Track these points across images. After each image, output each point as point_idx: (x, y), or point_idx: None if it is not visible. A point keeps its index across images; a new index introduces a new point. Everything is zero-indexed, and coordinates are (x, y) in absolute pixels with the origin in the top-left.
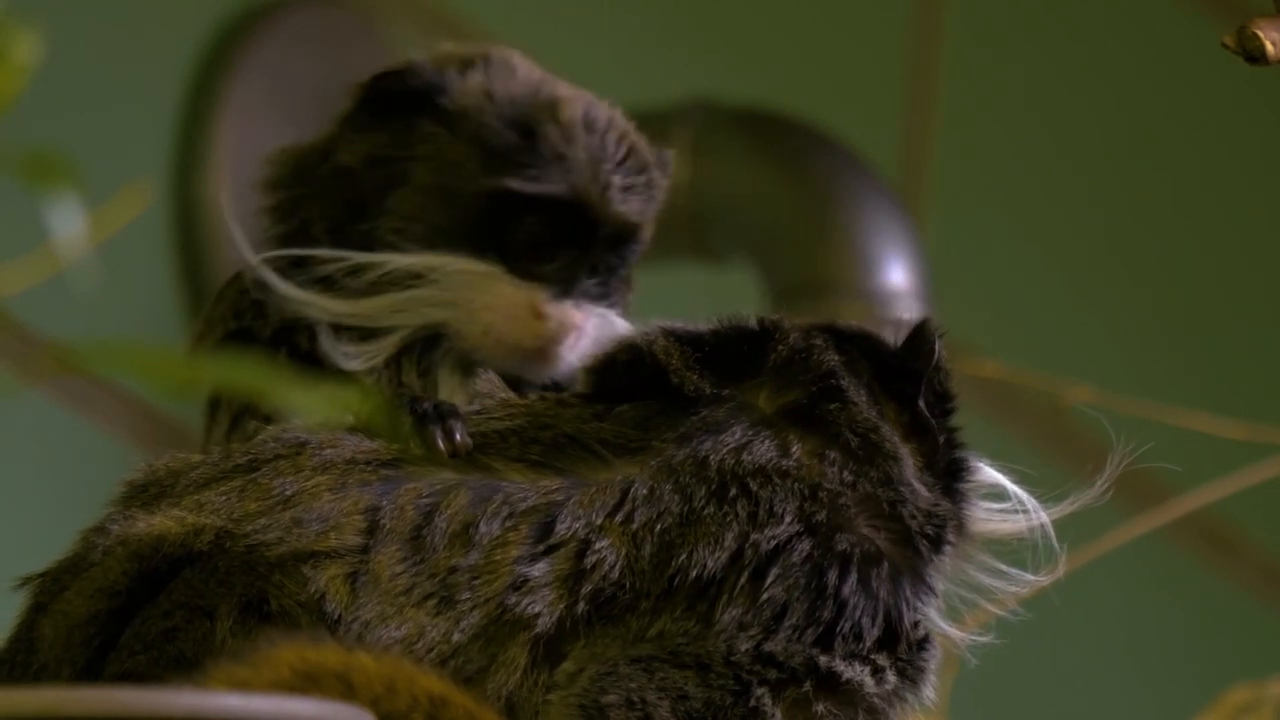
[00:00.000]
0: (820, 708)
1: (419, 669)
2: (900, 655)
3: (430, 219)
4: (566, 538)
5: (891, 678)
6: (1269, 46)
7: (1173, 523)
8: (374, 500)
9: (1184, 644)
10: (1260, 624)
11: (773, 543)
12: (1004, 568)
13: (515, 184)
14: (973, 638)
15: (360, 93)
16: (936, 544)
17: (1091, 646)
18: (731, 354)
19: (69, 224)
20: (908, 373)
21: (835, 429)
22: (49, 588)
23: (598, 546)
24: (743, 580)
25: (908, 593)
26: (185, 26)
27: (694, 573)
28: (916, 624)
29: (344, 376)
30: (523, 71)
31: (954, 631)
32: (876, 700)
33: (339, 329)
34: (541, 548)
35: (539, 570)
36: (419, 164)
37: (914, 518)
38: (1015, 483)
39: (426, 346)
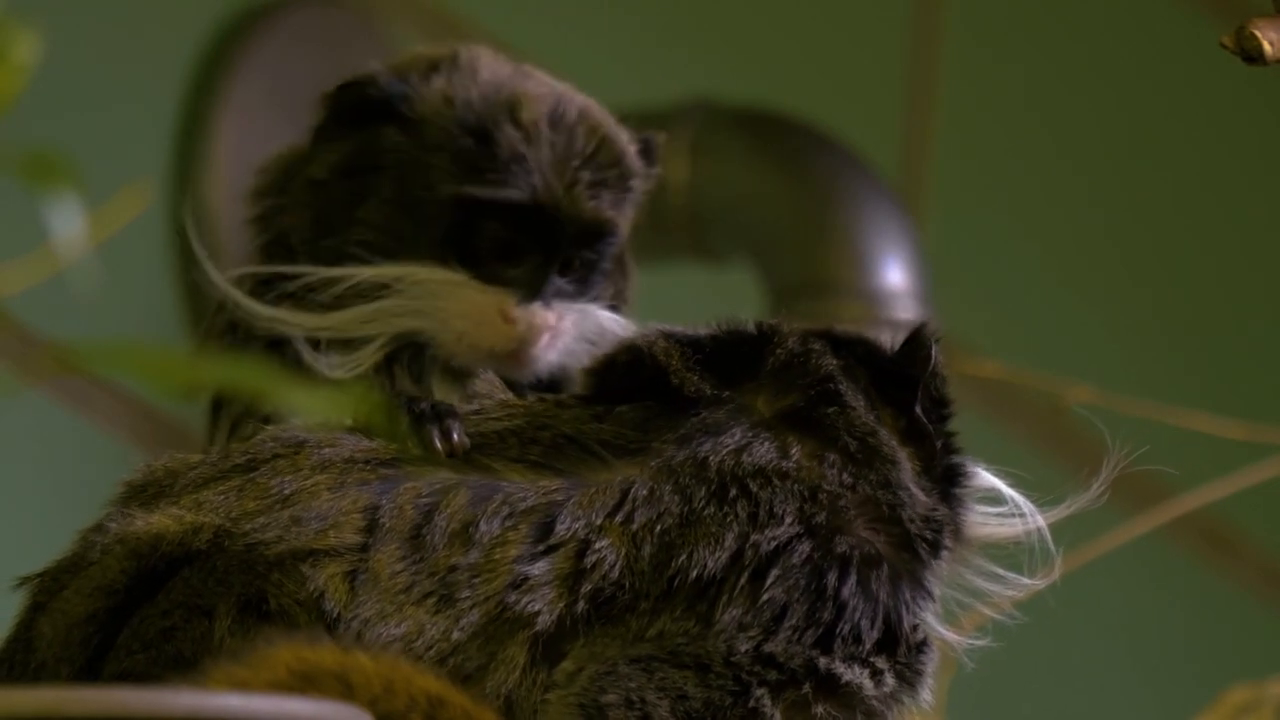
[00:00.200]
0: (820, 709)
1: (417, 669)
2: (899, 658)
3: (398, 229)
4: (566, 538)
5: (890, 680)
6: (1267, 46)
7: (1173, 523)
8: (373, 499)
9: (1184, 644)
10: (1260, 624)
11: (773, 544)
12: (1001, 571)
13: (474, 190)
14: (970, 641)
15: (326, 104)
16: (934, 548)
17: (1091, 646)
18: (730, 357)
19: (69, 224)
20: (904, 378)
21: (833, 433)
22: (48, 587)
23: (598, 546)
24: (743, 581)
25: (907, 596)
26: (185, 26)
27: (694, 573)
28: (915, 627)
29: (339, 383)
30: (486, 72)
31: (952, 636)
32: (875, 703)
33: (319, 340)
34: (541, 547)
35: (539, 569)
36: (384, 174)
37: (913, 521)
38: (1012, 486)
39: (416, 352)
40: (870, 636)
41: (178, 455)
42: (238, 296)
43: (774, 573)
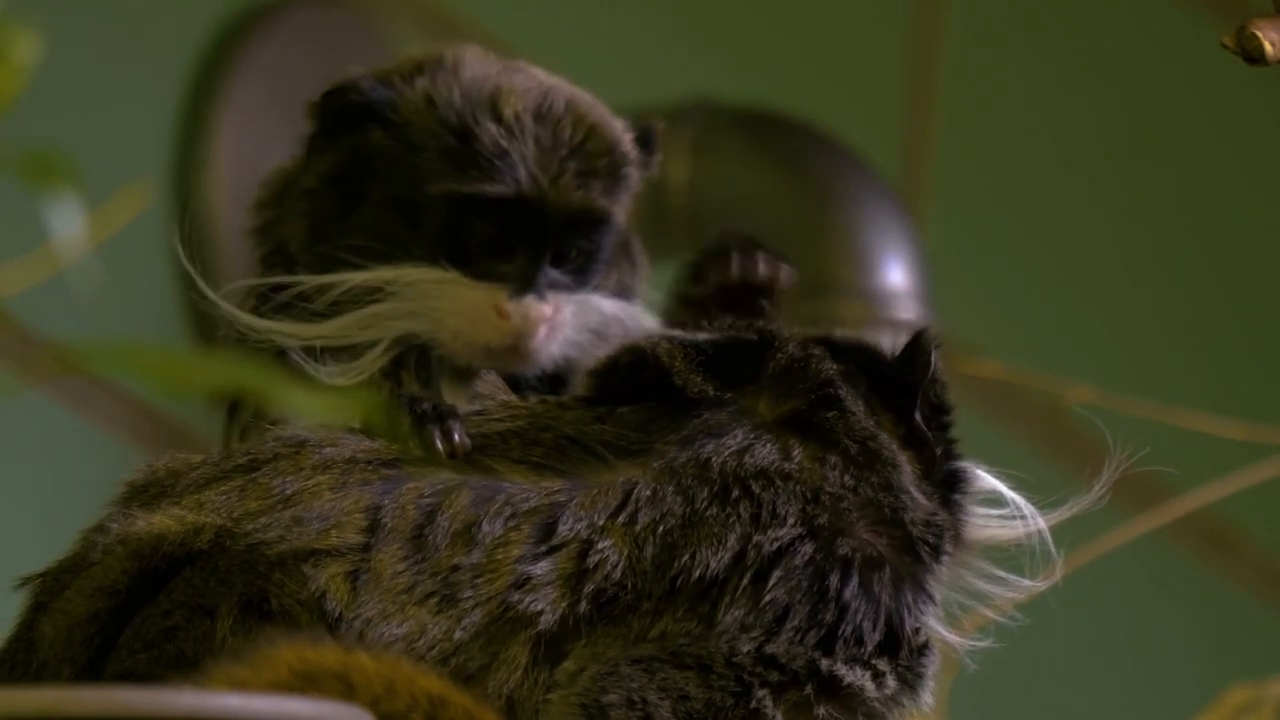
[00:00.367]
0: (821, 711)
1: (418, 669)
2: (900, 660)
3: (389, 232)
4: (569, 538)
5: (891, 683)
6: (1268, 47)
7: (1173, 523)
8: (375, 499)
9: (1184, 644)
10: (1260, 624)
11: (775, 544)
12: (1002, 574)
13: (459, 187)
14: (972, 642)
15: (313, 112)
16: (935, 552)
17: (1091, 647)
18: (731, 361)
19: (69, 224)
20: (903, 385)
21: (834, 436)
22: (49, 587)
23: (600, 546)
24: (745, 582)
25: (909, 598)
26: (185, 26)
27: (696, 573)
28: (917, 630)
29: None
30: (469, 70)
31: (953, 638)
32: (876, 705)
33: (320, 350)
34: (544, 548)
35: (541, 569)
36: (373, 178)
37: (914, 524)
38: (1013, 489)
39: (423, 356)
40: (872, 639)
41: (179, 455)
42: (233, 311)
43: (776, 573)
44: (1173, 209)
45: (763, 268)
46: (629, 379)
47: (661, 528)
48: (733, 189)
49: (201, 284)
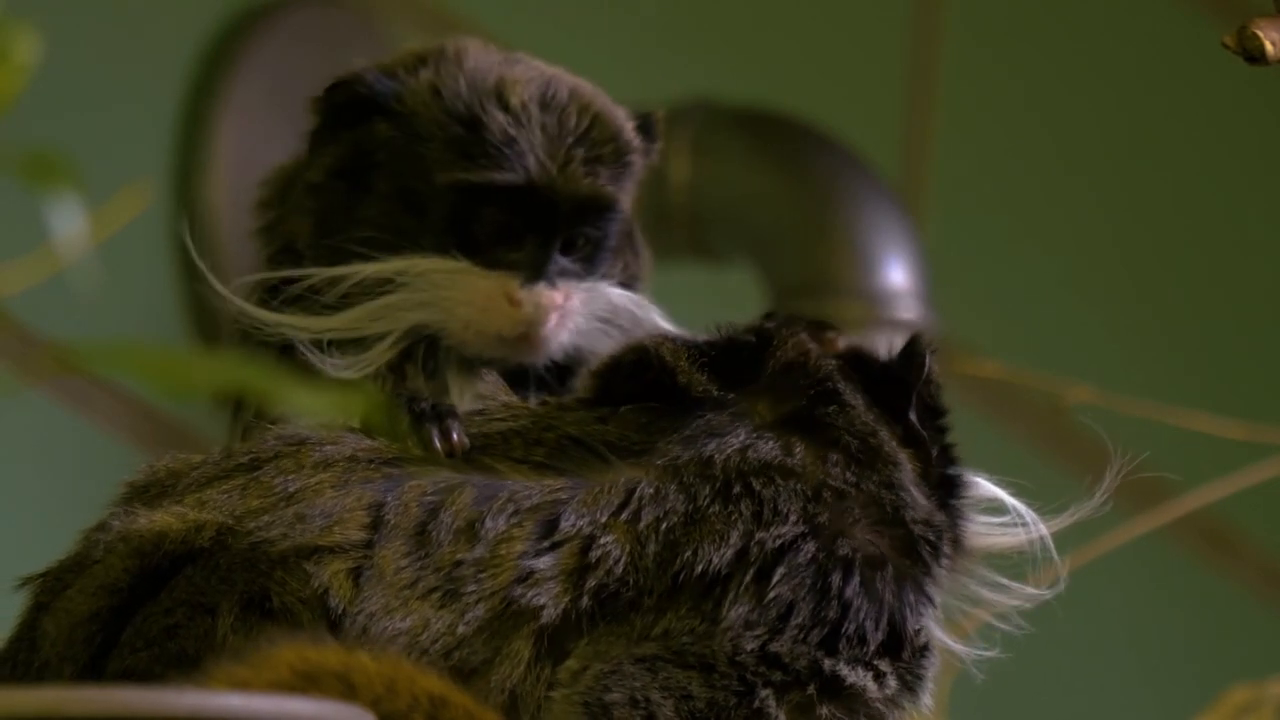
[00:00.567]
0: (824, 711)
1: (420, 669)
2: (902, 661)
3: (397, 223)
4: (571, 534)
5: (892, 683)
6: (1269, 46)
7: (1173, 523)
8: (378, 496)
9: (1184, 644)
10: (1260, 624)
11: (778, 541)
12: (1005, 581)
13: (468, 176)
14: (977, 652)
15: (316, 107)
16: (936, 552)
17: (1091, 647)
18: (731, 362)
19: (69, 224)
20: (898, 383)
21: (835, 433)
22: (51, 586)
23: (603, 541)
24: (748, 578)
25: (910, 598)
26: (185, 26)
27: (699, 569)
28: (918, 631)
29: (348, 384)
30: (473, 61)
31: (957, 646)
32: (878, 706)
33: (327, 343)
34: (546, 543)
35: (544, 564)
36: (379, 170)
37: (915, 523)
38: (1013, 495)
39: (430, 349)
40: (875, 638)
41: (180, 456)
42: (242, 305)
43: (780, 570)
44: (1173, 209)
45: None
46: (631, 378)
47: (664, 525)
48: (733, 189)
49: (211, 279)
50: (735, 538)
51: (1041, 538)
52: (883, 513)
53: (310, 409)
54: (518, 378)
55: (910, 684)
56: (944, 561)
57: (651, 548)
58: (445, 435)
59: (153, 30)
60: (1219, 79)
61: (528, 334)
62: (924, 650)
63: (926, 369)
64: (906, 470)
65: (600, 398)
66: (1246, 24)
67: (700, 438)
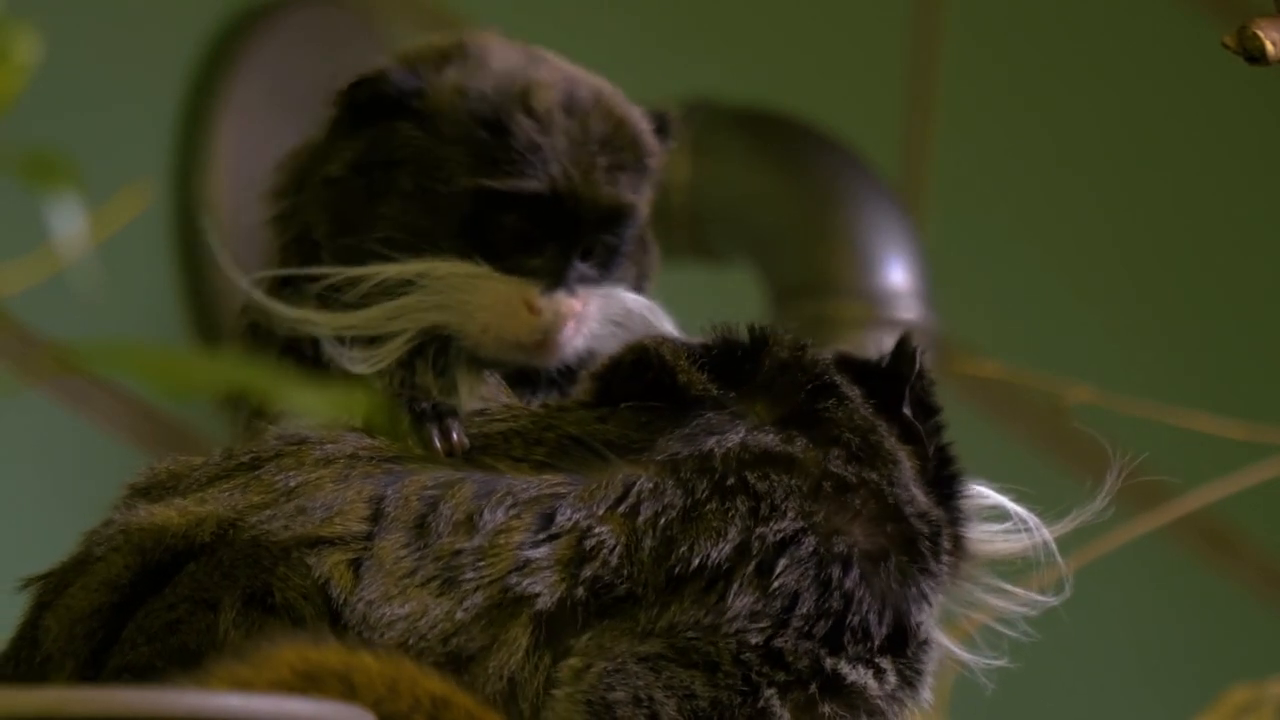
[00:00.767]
0: (826, 709)
1: (422, 669)
2: (903, 656)
3: (417, 223)
4: (568, 527)
5: (892, 679)
6: (1269, 46)
7: (1173, 523)
8: (378, 490)
9: (1184, 644)
10: (1260, 624)
11: (779, 536)
12: (1009, 587)
13: (490, 183)
14: (984, 660)
15: (339, 101)
16: (935, 549)
17: (1092, 647)
18: (728, 362)
19: (69, 224)
20: (891, 379)
21: (835, 429)
22: (54, 585)
23: (598, 531)
24: (751, 570)
25: (912, 592)
26: (185, 26)
27: (696, 562)
28: (919, 625)
29: (353, 379)
30: (498, 61)
31: (965, 655)
32: (879, 702)
33: (344, 338)
34: (543, 535)
35: (541, 553)
36: (401, 169)
37: (915, 519)
38: (1013, 500)
39: (441, 347)
40: (879, 632)
41: (180, 458)
42: (263, 298)
43: (783, 562)
44: (1173, 209)
45: None
46: (631, 379)
47: (662, 519)
48: (733, 189)
49: (232, 270)
50: (734, 533)
51: (1045, 543)
52: (882, 508)
53: (310, 409)
54: (528, 377)
55: (910, 679)
56: (944, 558)
57: (648, 542)
58: (445, 435)
59: (153, 30)
60: (1219, 79)
61: (544, 341)
62: (923, 645)
63: (919, 365)
64: (905, 467)
65: (600, 399)
66: (1246, 24)
67: (700, 435)
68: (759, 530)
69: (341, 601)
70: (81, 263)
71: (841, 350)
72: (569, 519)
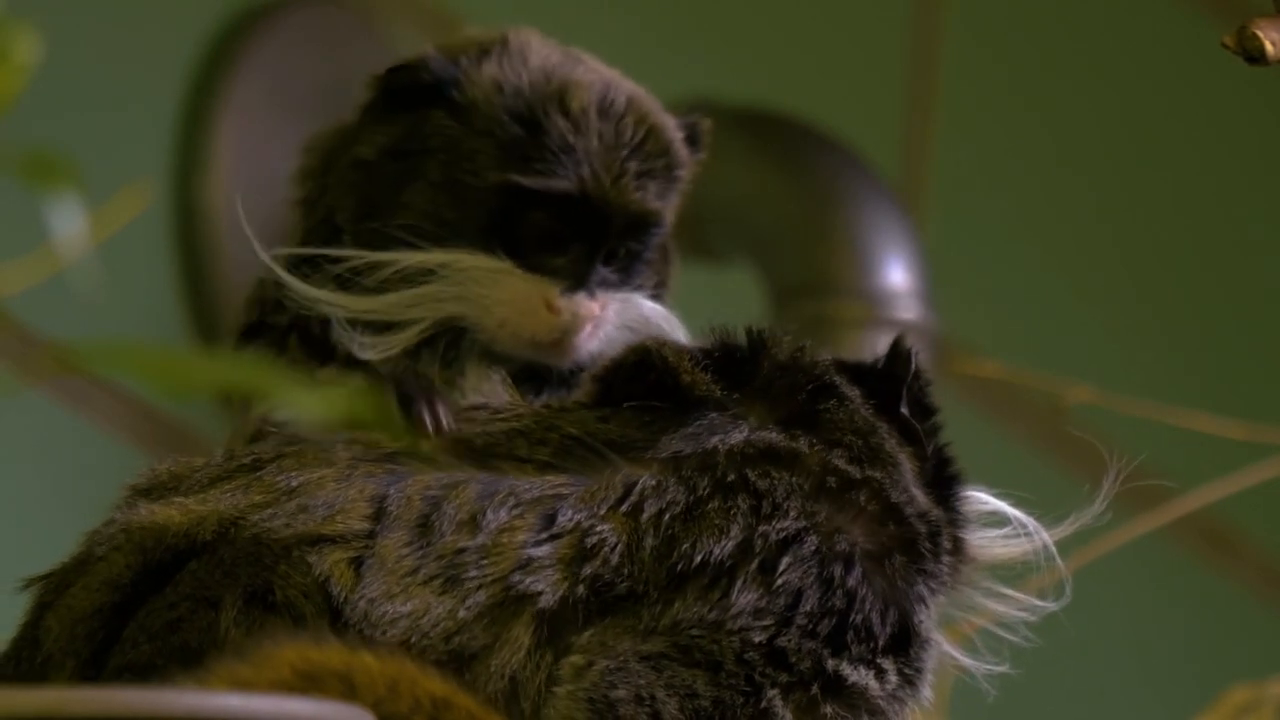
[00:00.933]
0: (828, 710)
1: (422, 670)
2: (906, 655)
3: (443, 214)
4: (570, 527)
5: (893, 679)
6: (1269, 46)
7: (1173, 523)
8: (380, 489)
9: (1184, 644)
10: (1260, 624)
11: (781, 534)
12: (1010, 592)
13: (521, 179)
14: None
15: (376, 85)
16: (935, 549)
17: (1092, 647)
18: (728, 364)
19: (69, 224)
20: (888, 380)
21: (836, 431)
22: (55, 585)
23: (599, 529)
24: (754, 567)
25: (913, 592)
26: (185, 26)
27: (698, 559)
28: (920, 623)
29: (355, 364)
30: (537, 58)
31: (964, 659)
32: (880, 702)
33: (357, 321)
34: (546, 534)
35: (543, 552)
36: (432, 158)
37: (915, 519)
38: (1012, 505)
39: (453, 340)
40: (882, 632)
41: (181, 459)
42: (283, 275)
43: (786, 559)
44: (1173, 209)
45: None
46: (632, 380)
47: (665, 517)
48: (733, 189)
49: (258, 246)
50: (735, 531)
51: (1045, 546)
52: (883, 508)
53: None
54: (537, 374)
55: (910, 678)
56: (944, 559)
57: (650, 540)
58: (434, 417)
59: (153, 30)
60: (1219, 79)
61: (561, 341)
62: (924, 644)
63: (914, 365)
64: (905, 468)
65: (601, 400)
66: (1246, 24)
67: (703, 435)
68: (761, 528)
69: (342, 599)
70: (81, 263)
71: (835, 357)
72: (571, 519)
